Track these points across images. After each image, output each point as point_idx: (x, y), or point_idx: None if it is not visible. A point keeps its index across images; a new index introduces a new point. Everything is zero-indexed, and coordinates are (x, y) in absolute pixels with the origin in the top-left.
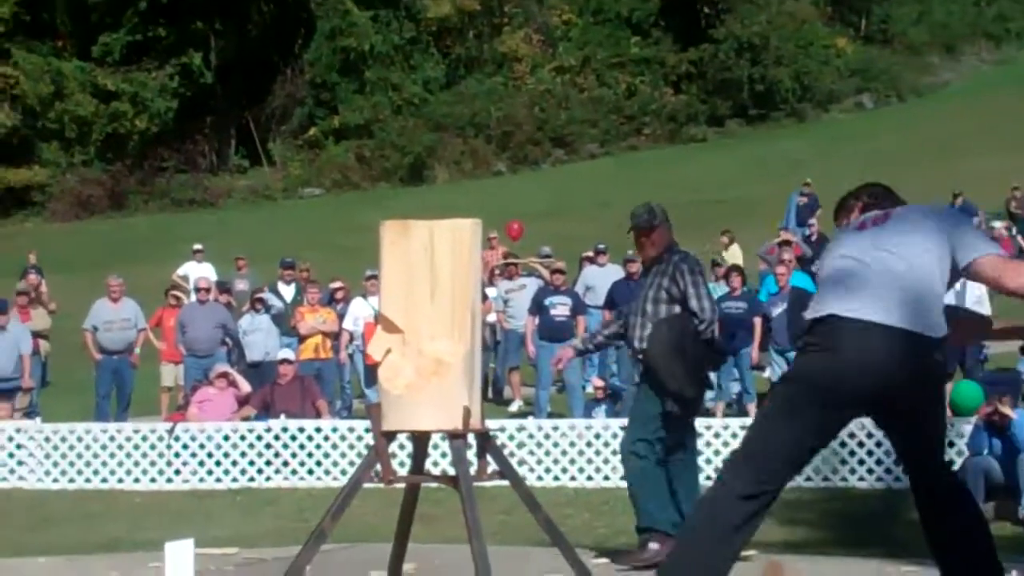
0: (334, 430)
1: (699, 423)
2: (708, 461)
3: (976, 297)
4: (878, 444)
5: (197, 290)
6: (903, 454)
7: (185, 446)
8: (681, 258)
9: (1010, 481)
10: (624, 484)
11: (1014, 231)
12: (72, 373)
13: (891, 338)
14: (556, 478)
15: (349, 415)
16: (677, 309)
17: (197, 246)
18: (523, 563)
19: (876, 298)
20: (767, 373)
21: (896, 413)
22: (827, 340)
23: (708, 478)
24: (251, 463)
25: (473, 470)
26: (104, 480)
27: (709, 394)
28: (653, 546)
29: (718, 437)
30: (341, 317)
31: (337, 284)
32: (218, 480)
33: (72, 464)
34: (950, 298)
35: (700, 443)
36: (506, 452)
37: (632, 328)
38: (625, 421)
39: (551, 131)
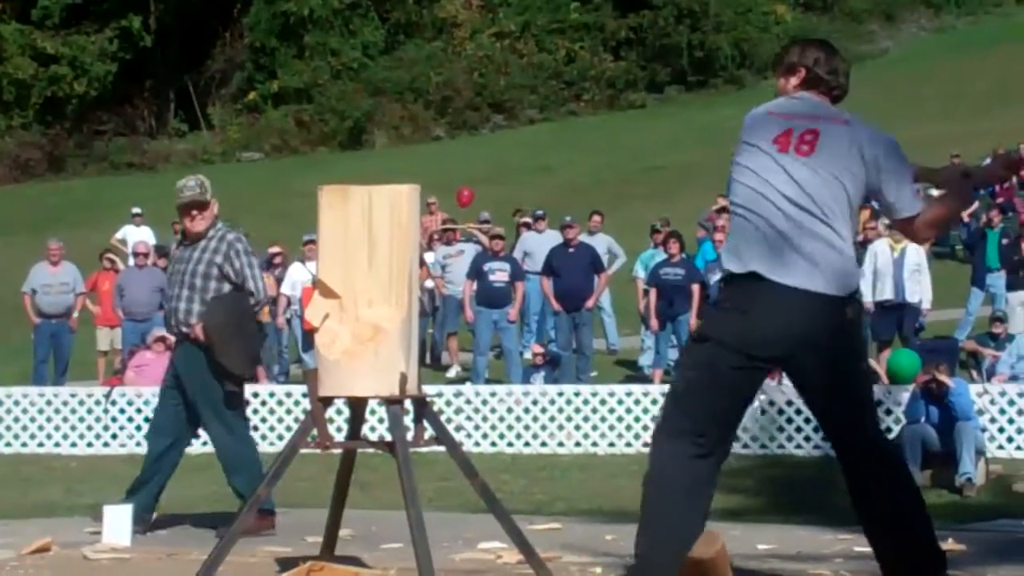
0: (271, 395)
1: (637, 389)
2: (646, 428)
3: (915, 264)
4: None
5: (135, 254)
6: (824, 422)
7: (122, 410)
8: (235, 237)
9: (947, 449)
10: (562, 451)
11: None
12: (9, 336)
13: (811, 303)
14: (493, 444)
15: (286, 380)
16: (227, 287)
17: (136, 210)
18: (459, 529)
19: (796, 260)
20: None
21: (811, 376)
22: (744, 301)
23: (629, 444)
24: None
25: (410, 436)
26: (40, 444)
27: (647, 360)
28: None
29: (655, 403)
30: (279, 282)
31: (275, 249)
32: None
33: (8, 428)
34: (887, 268)
35: (638, 409)
36: (443, 418)
37: (175, 301)
38: (565, 387)
39: (490, 96)
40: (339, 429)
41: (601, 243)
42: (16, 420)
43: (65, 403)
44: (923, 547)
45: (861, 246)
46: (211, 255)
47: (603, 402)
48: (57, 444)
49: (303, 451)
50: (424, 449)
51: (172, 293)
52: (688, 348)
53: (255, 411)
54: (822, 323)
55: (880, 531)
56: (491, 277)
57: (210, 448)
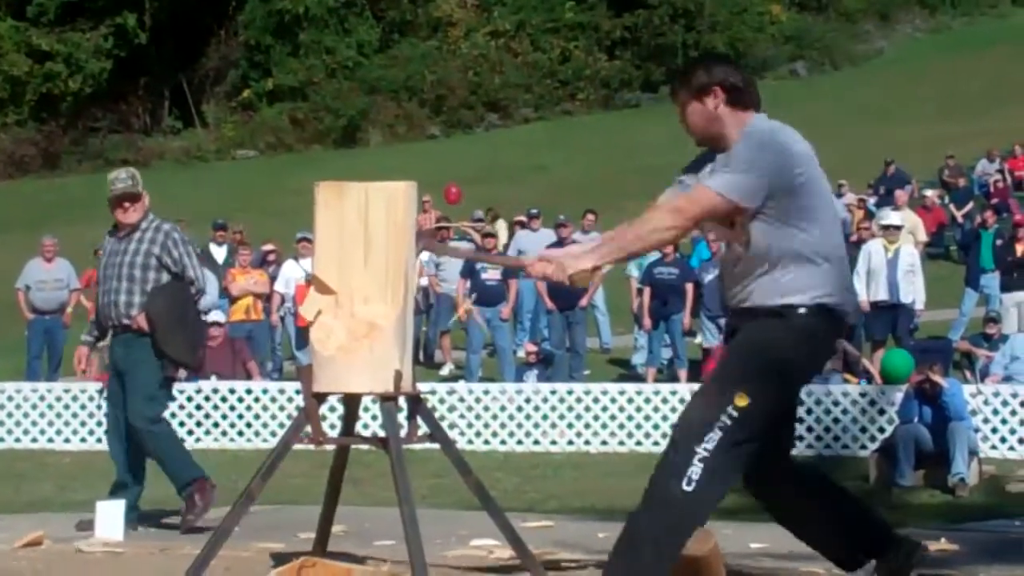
0: (264, 392)
1: (630, 388)
2: (639, 426)
3: (908, 265)
4: (808, 411)
5: None
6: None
7: None
8: (171, 227)
9: (940, 449)
10: (555, 449)
11: (947, 200)
12: (3, 332)
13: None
14: (486, 442)
15: (279, 377)
16: (165, 277)
17: None
18: (453, 526)
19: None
20: (698, 339)
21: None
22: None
23: (656, 444)
24: (181, 424)
25: (403, 433)
26: (34, 440)
27: (640, 359)
28: (198, 497)
29: (648, 402)
30: (273, 279)
31: (269, 246)
32: None
33: (2, 423)
34: (881, 268)
35: (631, 408)
36: (437, 416)
37: (114, 294)
38: (557, 385)
39: (485, 95)
40: (332, 426)
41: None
42: (9, 415)
43: (58, 398)
44: (866, 522)
45: (855, 246)
46: (148, 246)
47: (596, 400)
48: (51, 440)
49: (296, 447)
50: (418, 446)
51: (109, 286)
52: (765, 371)
53: (248, 408)
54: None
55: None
56: (484, 275)
57: (203, 444)
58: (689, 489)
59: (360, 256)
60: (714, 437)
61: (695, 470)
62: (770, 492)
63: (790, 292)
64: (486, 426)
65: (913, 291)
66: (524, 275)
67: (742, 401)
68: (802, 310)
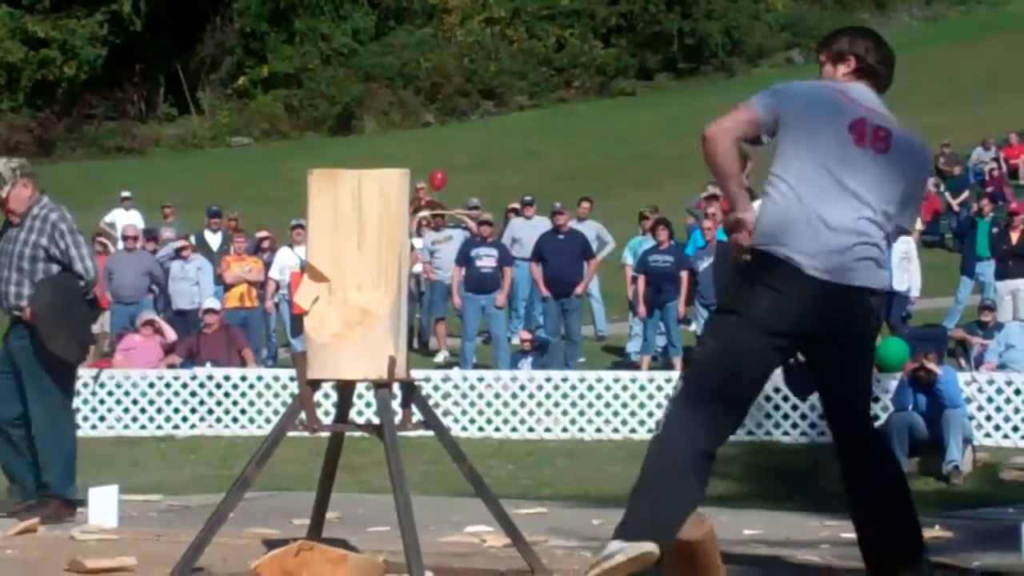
0: (259, 378)
1: (624, 375)
2: (633, 414)
3: (903, 252)
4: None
5: (124, 238)
6: (827, 403)
7: (110, 393)
8: (59, 216)
9: (934, 437)
10: (549, 436)
11: (942, 188)
12: None
13: (844, 293)
14: (480, 429)
15: (274, 364)
16: (55, 268)
17: (125, 193)
18: (447, 513)
19: (839, 256)
20: (693, 327)
21: (831, 359)
22: (780, 283)
23: (650, 431)
24: (176, 411)
25: (398, 420)
26: None
27: (634, 346)
28: (52, 510)
29: (643, 390)
30: (267, 266)
31: (264, 233)
32: (143, 427)
33: None
34: None
35: (626, 396)
36: (431, 403)
37: (5, 284)
38: (552, 372)
39: (480, 83)
40: (327, 413)
41: (589, 229)
42: None
43: None
44: (906, 533)
45: None
46: (36, 236)
47: (590, 388)
48: None
49: (291, 434)
50: (412, 433)
51: (2, 275)
52: (712, 320)
53: (243, 395)
54: (850, 311)
55: (867, 514)
56: (479, 263)
57: (199, 431)
58: (658, 433)
59: (353, 243)
60: (679, 387)
61: (667, 414)
62: (847, 466)
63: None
64: (480, 413)
65: (907, 279)
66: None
67: (697, 351)
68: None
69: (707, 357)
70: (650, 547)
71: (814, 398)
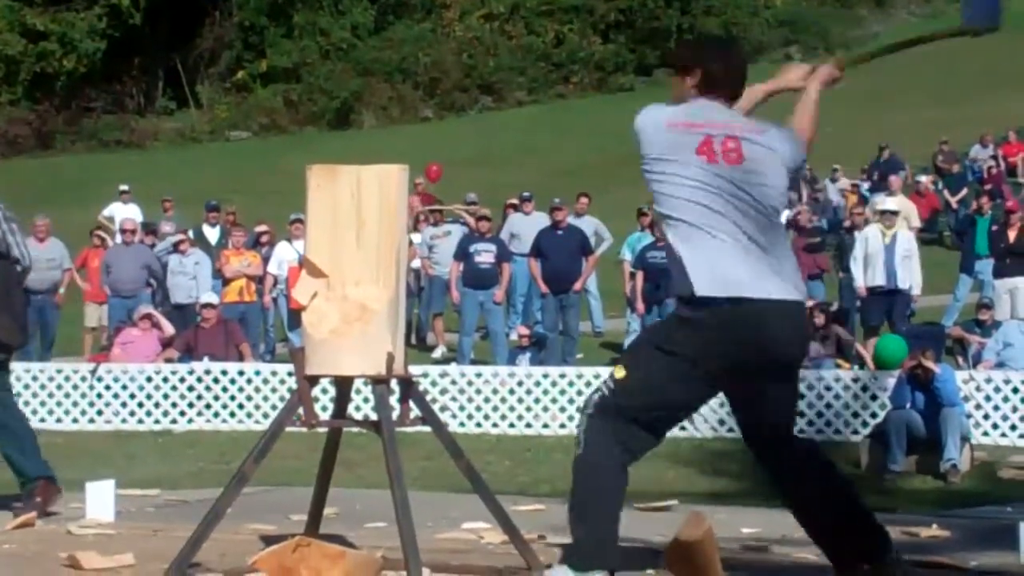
0: (257, 373)
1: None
2: (607, 411)
3: (905, 250)
4: (800, 396)
5: (123, 231)
6: (748, 424)
7: (108, 387)
8: None
9: (932, 435)
10: (547, 432)
11: (940, 185)
12: None
13: (787, 312)
14: (478, 425)
15: (272, 359)
16: None
17: (123, 187)
18: (444, 509)
19: (768, 271)
20: None
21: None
22: (721, 322)
23: None
24: (173, 405)
25: (395, 416)
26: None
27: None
28: (40, 499)
29: None
30: (266, 261)
31: (262, 228)
32: (140, 421)
33: None
34: (879, 254)
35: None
36: (429, 398)
37: None
38: (550, 368)
39: (479, 78)
40: (324, 408)
41: (588, 225)
42: None
43: (51, 379)
44: (863, 532)
45: (847, 232)
46: None
47: (588, 384)
48: (42, 420)
49: (289, 429)
50: (409, 429)
51: None
52: (641, 349)
53: (240, 389)
54: (794, 330)
55: (814, 519)
56: (477, 258)
57: (196, 426)
58: (579, 452)
59: (352, 239)
60: (593, 400)
61: (581, 432)
62: (778, 476)
63: (684, 281)
64: (478, 409)
65: (909, 277)
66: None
67: (618, 372)
68: (687, 299)
69: (632, 383)
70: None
71: (811, 395)
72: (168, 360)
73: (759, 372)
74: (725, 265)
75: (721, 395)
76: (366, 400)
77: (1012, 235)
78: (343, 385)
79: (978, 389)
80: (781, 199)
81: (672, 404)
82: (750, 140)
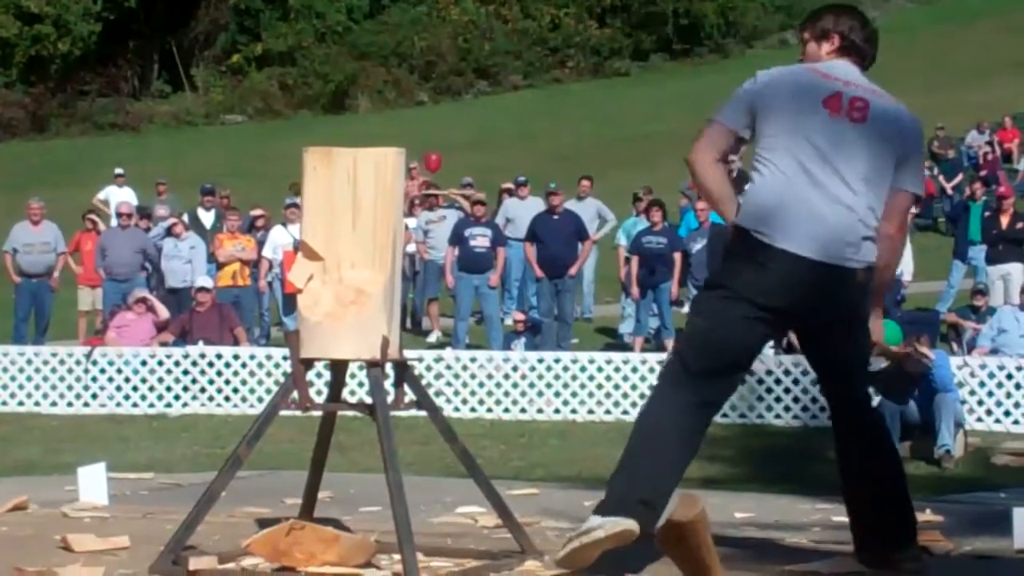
0: (251, 357)
1: (617, 356)
2: (625, 395)
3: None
4: (795, 382)
5: (119, 215)
6: (823, 381)
7: (103, 370)
8: None
9: (926, 421)
10: (541, 417)
11: (935, 171)
12: None
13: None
14: (473, 409)
15: (267, 342)
16: None
17: (118, 170)
18: (438, 493)
19: (822, 230)
20: (686, 309)
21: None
22: (764, 257)
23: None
24: (168, 389)
25: (390, 400)
26: (20, 403)
27: (627, 328)
28: None
29: (635, 371)
30: (260, 245)
31: (257, 212)
32: (135, 405)
33: None
34: None
35: (618, 377)
36: (424, 383)
37: None
38: (545, 353)
39: (474, 62)
40: (319, 392)
41: (591, 207)
42: None
43: (46, 362)
44: (901, 517)
45: None
46: None
47: (583, 369)
48: (37, 403)
49: (283, 413)
50: (404, 413)
51: None
52: (702, 300)
53: (235, 373)
54: (838, 290)
55: (861, 496)
56: (472, 243)
57: (191, 410)
58: (643, 410)
59: (348, 222)
60: (666, 361)
61: (652, 392)
62: (839, 435)
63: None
64: (473, 394)
65: (900, 262)
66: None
67: (684, 326)
68: (731, 231)
69: (694, 333)
70: (630, 524)
71: (806, 380)
72: (163, 344)
73: (821, 320)
74: (804, 220)
75: None
76: (361, 384)
77: (1004, 221)
78: (338, 369)
79: (972, 375)
80: (882, 181)
81: (737, 346)
82: (881, 106)
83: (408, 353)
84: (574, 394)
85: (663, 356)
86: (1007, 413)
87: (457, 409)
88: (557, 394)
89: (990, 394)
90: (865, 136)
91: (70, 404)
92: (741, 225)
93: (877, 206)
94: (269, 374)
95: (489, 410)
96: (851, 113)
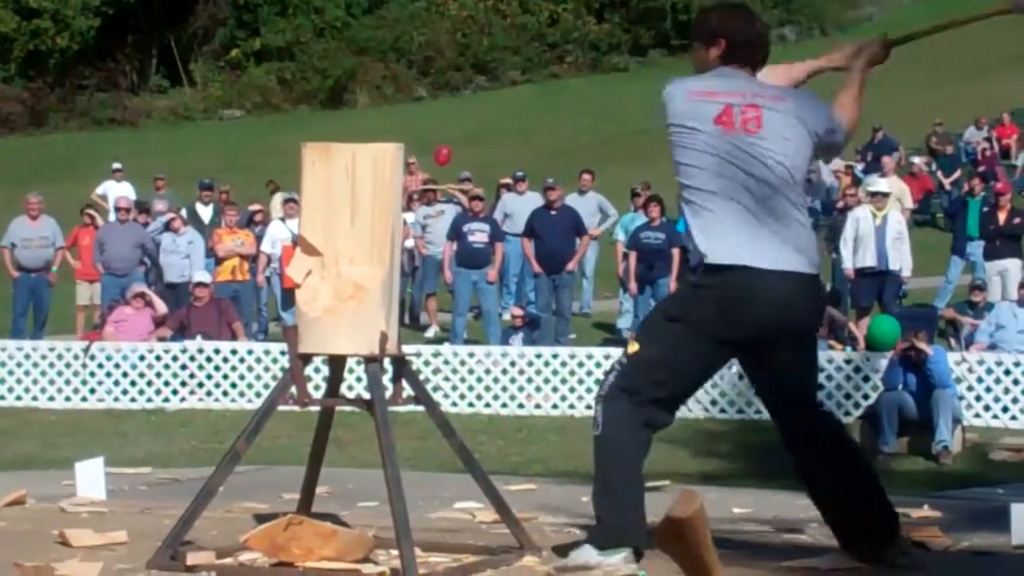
0: (249, 352)
1: (615, 352)
2: (623, 390)
3: (896, 232)
4: None
5: (117, 209)
6: (769, 396)
7: (100, 365)
8: None
9: (924, 417)
10: (539, 413)
11: (934, 167)
12: None
13: (799, 284)
14: (470, 405)
15: (265, 337)
16: None
17: (116, 165)
18: (436, 488)
19: (779, 242)
20: None
21: (781, 353)
22: (731, 289)
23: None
24: (166, 383)
25: (388, 395)
26: (18, 398)
27: (625, 323)
28: None
29: None
30: (259, 240)
31: (256, 207)
32: (133, 400)
33: None
34: (869, 235)
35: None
36: (422, 378)
37: None
38: (543, 349)
39: (473, 57)
40: (317, 387)
41: (592, 201)
42: None
43: (44, 356)
44: (879, 509)
45: (840, 212)
46: None
47: (581, 364)
48: (35, 398)
49: (281, 408)
50: (402, 408)
51: None
52: (655, 323)
53: (233, 368)
54: (806, 302)
55: (835, 500)
56: (471, 238)
57: (189, 404)
58: (597, 433)
59: (346, 217)
60: (609, 380)
61: (598, 412)
62: (796, 452)
63: (696, 249)
64: (470, 389)
65: (900, 258)
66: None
67: (632, 348)
68: (699, 267)
69: (648, 362)
70: (630, 567)
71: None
72: (161, 339)
73: (772, 341)
74: (740, 235)
75: (716, 377)
76: (359, 379)
77: (1002, 217)
78: (336, 364)
79: (970, 371)
80: (803, 168)
81: (688, 374)
82: (772, 108)
83: (406, 348)
84: (572, 389)
85: None
86: (1005, 409)
87: (455, 404)
88: (555, 389)
89: (988, 390)
90: (765, 140)
91: (68, 399)
92: (710, 261)
93: (802, 205)
94: (267, 369)
95: (487, 405)
96: (746, 126)
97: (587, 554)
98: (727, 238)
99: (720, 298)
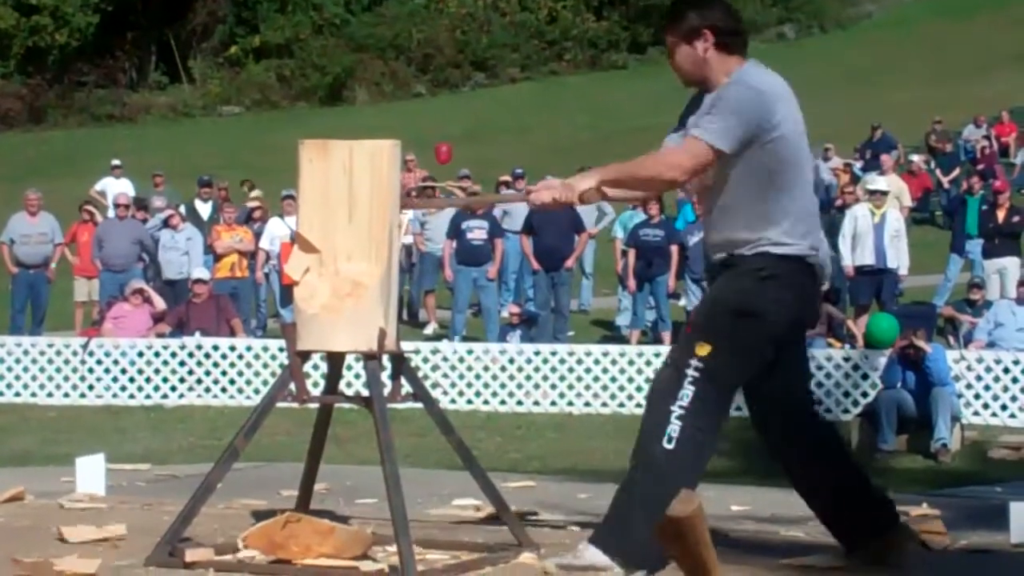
0: (248, 349)
1: (613, 349)
2: (622, 388)
3: (895, 230)
4: None
5: (116, 206)
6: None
7: (99, 361)
8: None
9: (923, 415)
10: (537, 410)
11: (933, 165)
12: None
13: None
14: (469, 402)
15: (263, 334)
16: None
17: (115, 162)
18: (435, 485)
19: (823, 238)
20: (682, 302)
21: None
22: (804, 281)
23: (639, 406)
24: (165, 380)
25: (387, 392)
26: (17, 394)
27: (624, 320)
28: None
29: (632, 364)
30: (258, 236)
31: (255, 203)
32: (131, 396)
33: None
34: (867, 233)
35: (615, 370)
36: (420, 375)
37: None
38: (541, 346)
39: (472, 54)
40: (316, 384)
41: None
42: None
43: (42, 353)
44: (879, 506)
45: (839, 210)
46: None
47: (579, 362)
48: (34, 394)
49: (280, 405)
50: (401, 405)
51: None
52: (717, 320)
53: (232, 365)
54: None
55: (837, 503)
56: (470, 235)
57: (187, 401)
58: (670, 448)
59: (344, 214)
60: (686, 393)
61: (674, 428)
62: (785, 452)
63: (756, 243)
64: (469, 386)
65: (898, 256)
66: (533, 207)
67: (703, 350)
68: (766, 259)
69: (724, 354)
70: None
71: None
72: (159, 335)
73: (799, 333)
74: (806, 226)
75: None
76: (357, 376)
77: (1000, 215)
78: (335, 361)
79: (969, 369)
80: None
81: (769, 368)
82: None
83: (405, 345)
84: (570, 386)
85: (659, 349)
86: (1003, 407)
87: (453, 401)
88: (553, 386)
89: (987, 388)
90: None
91: (67, 395)
92: (792, 252)
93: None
94: (266, 366)
95: (486, 402)
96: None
97: (593, 555)
98: (807, 232)
99: (794, 284)
